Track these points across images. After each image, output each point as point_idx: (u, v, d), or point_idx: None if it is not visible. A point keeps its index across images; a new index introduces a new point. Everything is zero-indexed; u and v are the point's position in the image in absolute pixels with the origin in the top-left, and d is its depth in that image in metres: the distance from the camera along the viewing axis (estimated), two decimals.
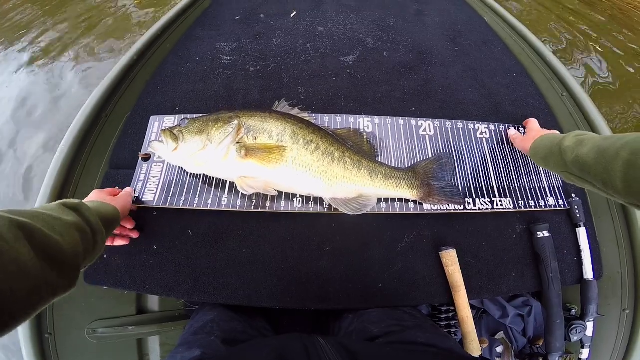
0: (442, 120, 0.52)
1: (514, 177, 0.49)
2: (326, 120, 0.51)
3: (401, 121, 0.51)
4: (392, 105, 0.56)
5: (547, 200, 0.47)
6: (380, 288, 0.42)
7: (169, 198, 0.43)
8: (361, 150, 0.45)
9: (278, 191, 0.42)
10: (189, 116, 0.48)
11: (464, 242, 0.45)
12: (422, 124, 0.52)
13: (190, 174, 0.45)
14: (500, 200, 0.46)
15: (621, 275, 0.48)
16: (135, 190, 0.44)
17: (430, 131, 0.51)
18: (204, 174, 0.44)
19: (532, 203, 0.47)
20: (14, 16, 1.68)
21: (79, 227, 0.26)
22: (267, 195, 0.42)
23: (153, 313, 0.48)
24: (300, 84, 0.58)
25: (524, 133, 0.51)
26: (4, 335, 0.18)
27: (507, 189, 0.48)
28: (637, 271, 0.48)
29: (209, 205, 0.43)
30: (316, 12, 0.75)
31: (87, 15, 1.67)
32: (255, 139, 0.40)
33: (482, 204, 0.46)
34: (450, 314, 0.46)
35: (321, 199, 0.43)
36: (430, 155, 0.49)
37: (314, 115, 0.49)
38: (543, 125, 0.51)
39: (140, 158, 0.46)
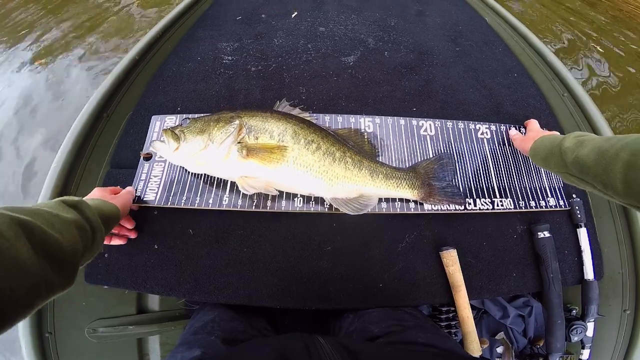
0: (443, 120, 0.52)
1: (514, 177, 0.49)
2: (327, 120, 0.51)
3: (402, 121, 0.51)
4: (393, 105, 0.56)
5: (548, 201, 0.47)
6: (380, 288, 0.42)
7: (171, 197, 0.43)
8: (362, 150, 0.45)
9: (279, 191, 0.42)
10: (190, 116, 0.48)
11: (465, 242, 0.45)
12: (423, 124, 0.52)
13: (192, 173, 0.45)
14: (501, 201, 0.47)
15: (622, 276, 0.48)
16: (136, 190, 0.44)
17: (431, 131, 0.51)
18: (205, 174, 0.44)
19: (532, 203, 0.47)
20: (17, 15, 1.69)
21: (79, 224, 0.26)
22: (268, 194, 0.42)
23: (153, 313, 0.49)
24: (301, 84, 0.58)
25: (525, 133, 0.51)
26: (2, 333, 0.18)
27: (507, 189, 0.48)
28: (637, 272, 0.48)
29: (210, 205, 0.43)
30: (317, 13, 0.75)
31: (91, 14, 1.68)
32: (257, 138, 0.41)
33: (482, 204, 0.46)
34: (451, 314, 0.46)
35: (322, 198, 0.43)
36: (431, 155, 0.49)
37: (315, 115, 0.49)
38: (544, 125, 0.51)
39: (141, 157, 0.46)
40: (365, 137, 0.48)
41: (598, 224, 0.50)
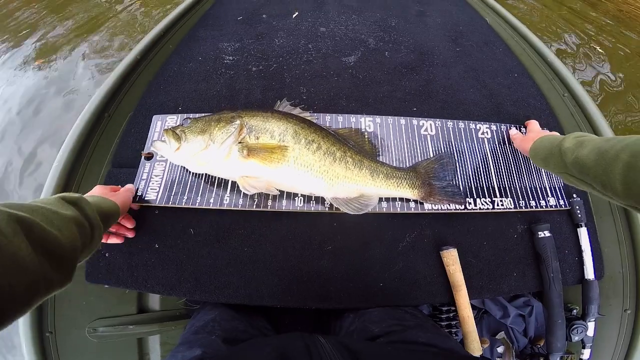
0: (443, 120, 0.52)
1: (514, 177, 0.49)
2: (328, 119, 0.51)
3: (402, 121, 0.52)
4: (393, 105, 0.56)
5: (548, 201, 0.47)
6: (381, 287, 0.42)
7: (172, 197, 0.43)
8: (362, 149, 0.45)
9: (280, 190, 0.42)
10: (191, 116, 0.48)
11: (465, 242, 0.45)
12: (423, 123, 0.52)
13: (193, 173, 0.45)
14: (501, 200, 0.47)
15: (622, 276, 0.48)
16: (137, 189, 0.44)
17: (431, 131, 0.51)
18: (206, 174, 0.44)
19: (532, 203, 0.47)
20: (20, 15, 1.69)
21: (78, 221, 0.26)
22: (269, 194, 0.42)
23: (154, 312, 0.49)
24: (302, 84, 0.58)
25: (525, 134, 0.51)
26: (1, 330, 0.18)
27: (508, 189, 0.48)
28: (638, 271, 0.48)
29: (211, 205, 0.43)
30: (318, 13, 0.75)
31: (94, 13, 1.68)
32: (257, 138, 0.41)
33: (482, 204, 0.46)
34: (451, 314, 0.46)
35: (322, 198, 0.43)
36: (432, 155, 0.49)
37: (315, 114, 0.49)
38: (544, 125, 0.52)
39: (142, 157, 0.46)
40: (366, 136, 0.48)
41: (598, 224, 0.50)
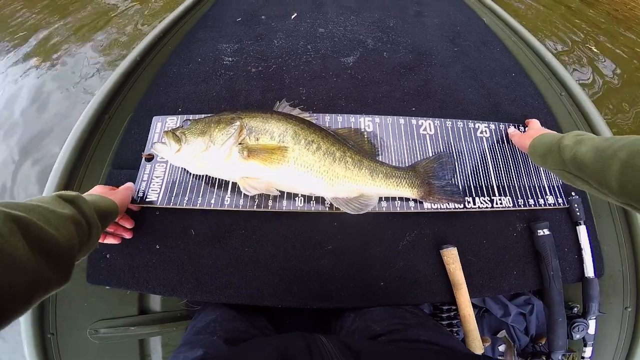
0: (442, 119, 0.53)
1: (513, 176, 0.49)
2: (327, 120, 0.51)
3: (402, 120, 0.52)
4: (392, 105, 0.56)
5: (547, 199, 0.48)
6: (381, 286, 0.42)
7: (173, 198, 0.43)
8: (362, 149, 0.45)
9: (280, 191, 0.42)
10: (191, 117, 0.48)
11: (465, 241, 0.45)
12: (422, 123, 0.52)
13: (193, 174, 0.45)
14: (500, 199, 0.47)
15: (622, 273, 0.48)
16: (138, 190, 0.44)
17: (430, 130, 0.52)
18: (206, 175, 0.45)
19: (531, 201, 0.47)
20: (23, 14, 1.70)
21: (75, 219, 0.26)
22: (270, 194, 0.42)
23: (155, 313, 0.49)
24: (301, 85, 0.58)
25: (524, 132, 0.51)
26: (1, 330, 0.18)
27: (506, 188, 0.48)
28: (638, 269, 0.48)
29: (212, 205, 0.43)
30: (317, 14, 0.76)
31: (96, 14, 1.69)
32: (257, 139, 0.41)
33: (482, 203, 0.46)
34: (452, 313, 0.46)
35: (323, 198, 0.44)
36: (431, 154, 0.49)
37: (315, 115, 0.49)
38: (542, 124, 0.52)
39: (143, 158, 0.47)
40: (365, 136, 0.48)
41: (597, 222, 0.50)
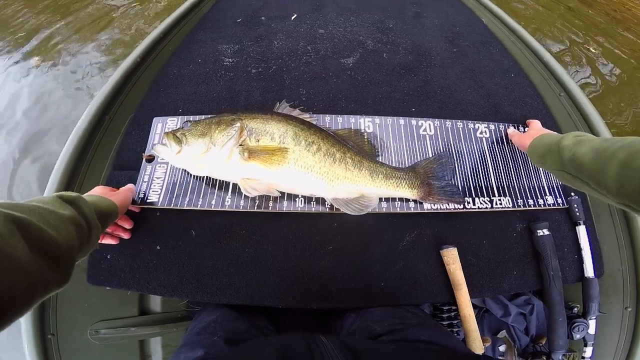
0: (442, 120, 0.53)
1: (513, 176, 0.49)
2: (327, 120, 0.51)
3: (401, 121, 0.52)
4: (392, 105, 0.56)
5: (546, 199, 0.48)
6: (382, 287, 0.42)
7: (173, 199, 0.44)
8: (362, 150, 0.46)
9: (280, 192, 0.43)
10: (191, 118, 0.48)
11: (465, 241, 0.45)
12: (422, 123, 0.52)
13: (194, 175, 0.45)
14: (500, 199, 0.47)
15: (622, 273, 0.48)
16: (139, 192, 0.44)
17: (430, 131, 0.52)
18: (207, 176, 0.45)
19: (531, 202, 0.47)
20: (24, 15, 1.71)
21: (75, 220, 0.26)
22: (270, 195, 0.42)
23: (155, 314, 0.49)
24: (301, 86, 0.58)
25: (524, 132, 0.51)
26: (1, 331, 0.18)
27: (506, 188, 0.48)
28: (637, 269, 0.48)
29: (213, 206, 0.43)
30: (316, 15, 0.76)
31: (98, 13, 1.70)
32: (258, 141, 0.41)
33: (481, 203, 0.46)
34: (452, 313, 0.46)
35: (323, 198, 0.44)
36: (431, 155, 0.49)
37: (315, 116, 0.49)
38: (541, 125, 0.52)
39: (144, 159, 0.47)
40: (365, 137, 0.49)
41: (597, 222, 0.50)
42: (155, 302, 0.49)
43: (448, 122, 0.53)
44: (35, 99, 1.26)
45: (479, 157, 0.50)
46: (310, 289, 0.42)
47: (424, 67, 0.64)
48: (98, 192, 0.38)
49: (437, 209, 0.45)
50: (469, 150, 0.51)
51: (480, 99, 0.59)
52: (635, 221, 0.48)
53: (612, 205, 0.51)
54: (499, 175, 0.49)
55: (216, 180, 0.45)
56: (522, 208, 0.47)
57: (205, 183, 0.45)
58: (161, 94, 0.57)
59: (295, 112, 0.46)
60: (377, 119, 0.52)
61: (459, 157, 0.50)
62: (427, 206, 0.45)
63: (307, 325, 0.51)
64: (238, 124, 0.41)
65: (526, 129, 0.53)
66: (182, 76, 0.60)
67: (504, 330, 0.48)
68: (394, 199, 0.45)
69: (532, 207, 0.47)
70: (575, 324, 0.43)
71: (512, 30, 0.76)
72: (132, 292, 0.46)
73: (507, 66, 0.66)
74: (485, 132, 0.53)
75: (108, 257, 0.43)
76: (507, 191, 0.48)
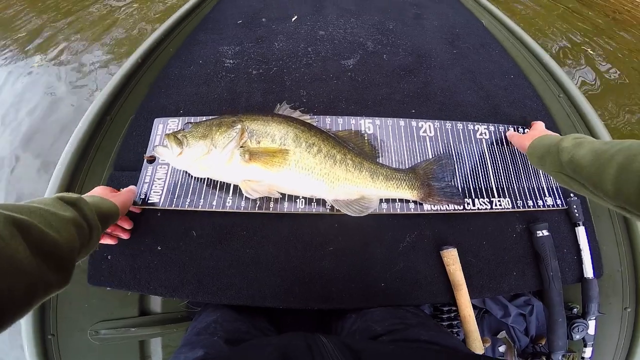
0: (442, 121, 0.53)
1: (512, 177, 0.49)
2: (328, 122, 0.51)
3: (402, 122, 0.52)
4: (392, 107, 0.57)
5: (546, 200, 0.48)
6: (382, 287, 0.42)
7: (175, 200, 0.44)
8: (362, 151, 0.46)
9: (281, 193, 0.43)
10: (192, 119, 0.48)
11: (465, 242, 0.45)
12: (422, 125, 0.52)
13: (195, 176, 0.45)
14: (499, 200, 0.47)
15: (621, 274, 0.48)
16: (140, 192, 0.44)
17: (430, 132, 0.52)
18: (208, 177, 0.45)
19: (530, 203, 0.47)
20: (27, 15, 1.71)
21: (76, 222, 0.26)
22: (271, 196, 0.43)
23: (155, 315, 0.49)
24: (302, 87, 0.59)
25: (524, 133, 0.52)
26: (1, 332, 0.18)
27: (505, 189, 0.48)
28: (637, 269, 0.48)
29: (214, 207, 0.43)
30: (317, 16, 0.76)
31: (101, 14, 1.70)
32: (259, 142, 0.41)
33: (481, 204, 0.46)
34: (452, 314, 0.46)
35: (324, 200, 0.44)
36: (431, 156, 0.49)
37: (315, 117, 0.49)
38: None
39: (145, 160, 0.47)
40: (366, 138, 0.49)
41: (596, 223, 0.50)
42: (156, 303, 0.49)
43: (448, 124, 0.53)
44: (38, 99, 1.26)
45: (478, 158, 0.51)
46: (311, 290, 0.42)
47: (424, 69, 0.64)
48: (99, 193, 0.39)
49: (437, 210, 0.45)
50: (469, 152, 0.51)
51: (479, 100, 0.59)
52: (634, 222, 0.48)
53: None
54: (498, 177, 0.49)
55: (217, 181, 0.45)
56: (521, 209, 0.47)
57: (206, 184, 0.45)
58: (162, 95, 0.57)
59: (296, 114, 0.46)
60: (377, 121, 0.52)
61: (459, 158, 0.50)
62: (427, 207, 0.45)
63: (308, 325, 0.51)
64: (239, 126, 0.41)
65: (526, 130, 0.53)
66: (183, 77, 0.60)
67: (504, 331, 0.49)
68: (394, 200, 0.45)
69: (532, 208, 0.47)
70: (575, 325, 0.43)
71: (511, 32, 0.76)
72: (132, 292, 0.46)
73: (507, 67, 0.66)
74: (485, 133, 0.53)
75: (109, 257, 0.43)
76: (506, 192, 0.48)
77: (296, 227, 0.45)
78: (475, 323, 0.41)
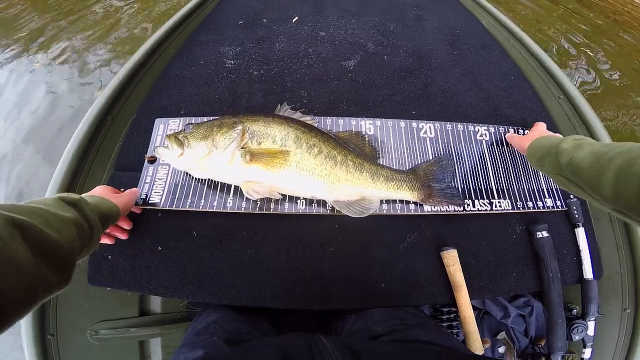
0: (442, 122, 0.53)
1: (512, 178, 0.50)
2: (328, 123, 0.51)
3: (402, 123, 0.52)
4: (392, 108, 0.57)
5: (546, 202, 0.48)
6: (382, 288, 0.43)
7: (175, 200, 0.44)
8: (363, 152, 0.46)
9: (282, 194, 0.43)
10: (193, 120, 0.48)
11: (465, 243, 0.45)
12: (422, 126, 0.53)
13: (196, 177, 0.45)
14: (499, 202, 0.47)
15: (621, 275, 0.49)
16: (141, 193, 0.44)
17: (430, 133, 0.52)
18: (209, 178, 0.45)
19: (530, 204, 0.48)
20: (29, 15, 1.71)
21: (77, 222, 0.26)
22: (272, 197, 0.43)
23: (155, 315, 0.49)
24: (302, 88, 0.59)
25: (524, 134, 0.52)
26: (1, 333, 0.18)
27: (505, 191, 0.48)
28: (636, 271, 0.48)
29: (215, 207, 0.43)
30: (318, 17, 0.76)
31: (104, 14, 1.70)
32: (260, 143, 0.41)
33: (481, 205, 0.47)
34: (452, 315, 0.46)
35: (324, 200, 0.44)
36: (431, 157, 0.49)
37: (316, 118, 0.49)
38: None
39: (146, 160, 0.47)
40: (366, 139, 0.49)
41: (596, 224, 0.50)
42: (155, 303, 0.49)
43: (448, 125, 0.53)
44: (40, 98, 1.27)
45: (478, 159, 0.51)
46: (311, 290, 0.42)
47: (424, 70, 0.64)
48: (100, 192, 0.39)
49: (437, 211, 0.45)
50: (469, 153, 0.51)
51: (480, 101, 0.59)
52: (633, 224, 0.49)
53: None
54: (498, 178, 0.49)
55: (218, 182, 0.45)
56: (521, 210, 0.47)
57: (207, 185, 0.45)
58: (163, 95, 0.57)
59: (297, 115, 0.46)
60: (378, 122, 0.52)
61: (459, 159, 0.50)
62: (427, 208, 0.45)
63: (308, 326, 0.51)
64: (240, 127, 0.41)
65: (526, 131, 0.53)
66: (184, 78, 0.60)
67: (504, 332, 0.49)
68: (394, 201, 0.45)
69: (532, 210, 0.47)
70: (574, 326, 0.43)
71: (511, 33, 0.76)
72: (132, 292, 0.46)
73: (507, 69, 0.66)
74: (485, 134, 0.53)
75: (109, 257, 0.43)
76: (506, 193, 0.48)
77: (297, 228, 0.45)
78: (475, 324, 0.41)
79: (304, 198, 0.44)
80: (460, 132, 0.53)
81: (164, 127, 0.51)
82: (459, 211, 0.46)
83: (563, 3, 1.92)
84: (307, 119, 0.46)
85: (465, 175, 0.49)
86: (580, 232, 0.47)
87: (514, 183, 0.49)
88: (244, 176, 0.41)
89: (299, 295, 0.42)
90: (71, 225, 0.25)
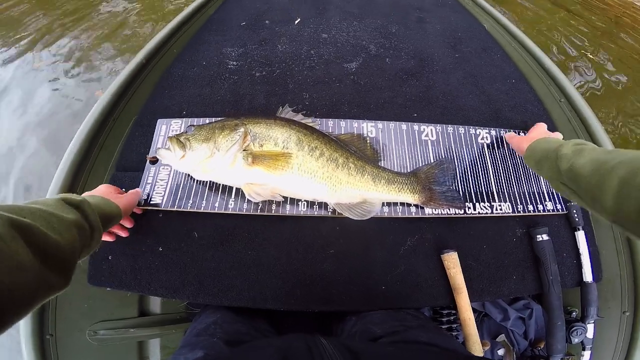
0: (443, 125, 0.53)
1: (513, 181, 0.50)
2: (330, 125, 0.52)
3: (404, 126, 0.52)
4: (394, 111, 0.57)
5: (546, 205, 0.48)
6: (383, 290, 0.43)
7: (177, 201, 0.44)
8: (364, 155, 0.46)
9: (283, 196, 0.43)
10: (195, 121, 0.48)
11: (465, 245, 0.45)
12: (424, 129, 0.53)
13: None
14: (500, 205, 0.47)
15: (620, 278, 0.49)
16: (143, 193, 0.44)
17: (432, 136, 0.52)
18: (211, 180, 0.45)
19: (530, 207, 0.48)
20: (33, 14, 1.71)
21: (79, 224, 0.27)
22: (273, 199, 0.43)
23: (155, 315, 0.49)
24: (304, 90, 0.59)
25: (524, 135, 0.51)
26: (1, 334, 0.19)
27: (506, 194, 0.48)
28: (636, 274, 0.48)
29: (216, 209, 0.43)
30: (320, 19, 0.77)
31: (107, 15, 1.70)
32: (261, 146, 0.41)
33: (482, 208, 0.47)
34: (452, 317, 0.46)
35: (326, 202, 0.44)
36: (432, 160, 0.50)
37: (318, 120, 0.50)
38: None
39: (147, 161, 0.47)
40: (368, 142, 0.49)
41: (596, 227, 0.50)
42: (155, 304, 0.49)
43: (450, 128, 0.53)
44: (45, 95, 1.26)
45: (480, 162, 0.51)
46: (312, 292, 0.42)
47: (426, 73, 0.64)
48: (103, 192, 0.39)
49: (438, 213, 0.45)
50: (470, 156, 0.51)
51: (481, 104, 0.60)
52: None
53: None
54: (499, 181, 0.49)
55: (220, 183, 0.45)
56: (522, 213, 0.47)
57: (209, 186, 0.45)
58: (165, 96, 0.58)
59: (298, 117, 0.46)
60: (379, 124, 0.52)
61: (460, 162, 0.50)
62: (428, 211, 0.45)
63: (308, 327, 0.51)
64: (242, 129, 0.41)
65: (526, 133, 0.53)
66: (186, 78, 0.60)
67: (503, 334, 0.49)
68: (395, 204, 0.45)
69: (532, 213, 0.47)
70: (574, 328, 0.43)
71: (513, 36, 0.77)
72: (132, 293, 0.46)
73: (508, 72, 0.67)
74: (487, 137, 0.53)
75: (109, 258, 0.43)
76: (507, 197, 0.48)
77: (298, 230, 0.45)
78: (475, 326, 0.42)
79: (305, 200, 0.45)
80: (462, 135, 0.53)
81: (166, 127, 0.51)
82: (460, 214, 0.46)
83: (565, 6, 1.92)
84: (309, 121, 0.47)
85: (466, 178, 0.49)
86: (581, 235, 0.47)
87: (514, 186, 0.49)
88: (245, 178, 0.41)
89: (299, 297, 0.42)
90: (72, 227, 0.26)
